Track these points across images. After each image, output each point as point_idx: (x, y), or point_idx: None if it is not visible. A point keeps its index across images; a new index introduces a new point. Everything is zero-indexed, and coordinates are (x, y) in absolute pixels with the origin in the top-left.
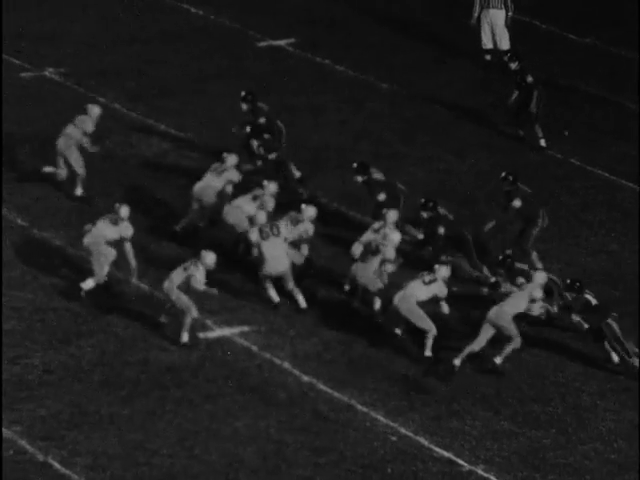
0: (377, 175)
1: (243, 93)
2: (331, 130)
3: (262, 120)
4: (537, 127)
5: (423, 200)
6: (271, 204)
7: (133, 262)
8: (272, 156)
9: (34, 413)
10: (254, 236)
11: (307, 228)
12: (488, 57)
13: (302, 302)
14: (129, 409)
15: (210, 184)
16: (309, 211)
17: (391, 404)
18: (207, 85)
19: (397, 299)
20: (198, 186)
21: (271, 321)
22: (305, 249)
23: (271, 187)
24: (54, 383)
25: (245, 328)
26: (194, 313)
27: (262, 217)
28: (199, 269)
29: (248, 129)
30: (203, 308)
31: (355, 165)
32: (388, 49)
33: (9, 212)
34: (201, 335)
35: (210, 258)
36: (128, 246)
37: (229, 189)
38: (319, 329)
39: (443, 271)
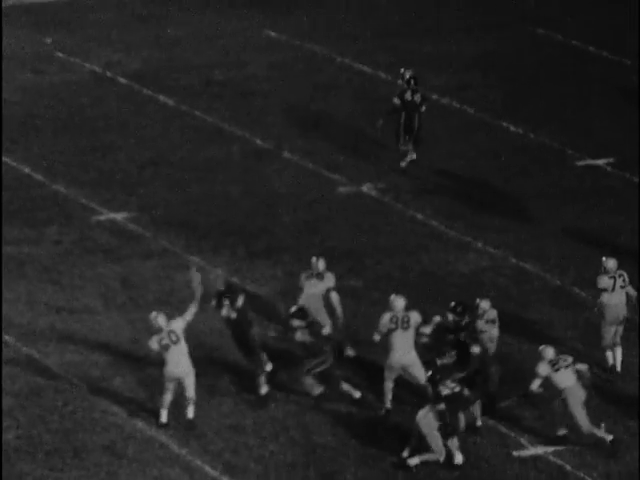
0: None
1: None
2: None
3: None
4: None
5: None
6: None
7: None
8: None
9: None
10: (154, 345)
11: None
12: None
13: (190, 413)
14: None
15: None
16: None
17: None
18: (527, 204)
19: None
20: None
21: (585, 440)
22: None
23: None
24: None
25: (559, 447)
26: None
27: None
28: None
29: None
30: (519, 426)
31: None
32: None
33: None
34: (515, 453)
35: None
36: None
37: None
38: (634, 449)
39: None
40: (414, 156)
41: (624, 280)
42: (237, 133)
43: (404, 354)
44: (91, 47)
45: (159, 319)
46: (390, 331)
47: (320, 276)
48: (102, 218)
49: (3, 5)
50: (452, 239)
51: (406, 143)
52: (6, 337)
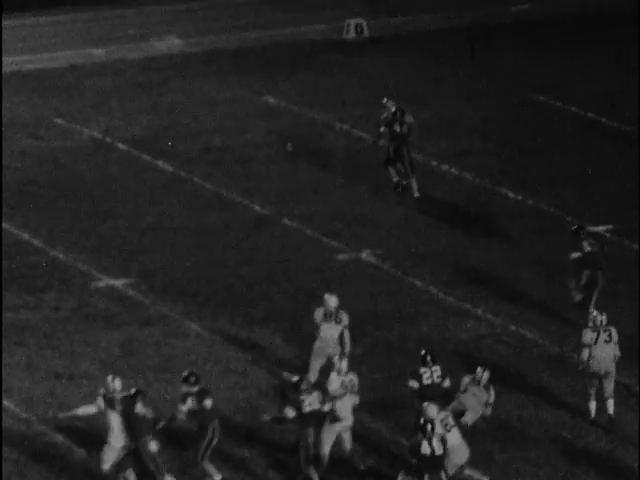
0: None
1: None
2: None
3: None
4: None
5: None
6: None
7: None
8: None
9: None
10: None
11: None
12: None
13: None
14: None
15: None
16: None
17: None
18: (523, 272)
19: None
20: None
21: None
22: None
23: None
24: None
25: None
26: None
27: None
28: None
29: None
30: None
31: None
32: None
33: None
34: None
35: None
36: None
37: None
38: None
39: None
40: (415, 188)
41: (609, 335)
42: (236, 199)
43: None
44: (90, 113)
45: (116, 382)
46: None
47: (337, 319)
48: (101, 284)
49: (3, 71)
50: (451, 306)
51: (403, 174)
52: (5, 403)
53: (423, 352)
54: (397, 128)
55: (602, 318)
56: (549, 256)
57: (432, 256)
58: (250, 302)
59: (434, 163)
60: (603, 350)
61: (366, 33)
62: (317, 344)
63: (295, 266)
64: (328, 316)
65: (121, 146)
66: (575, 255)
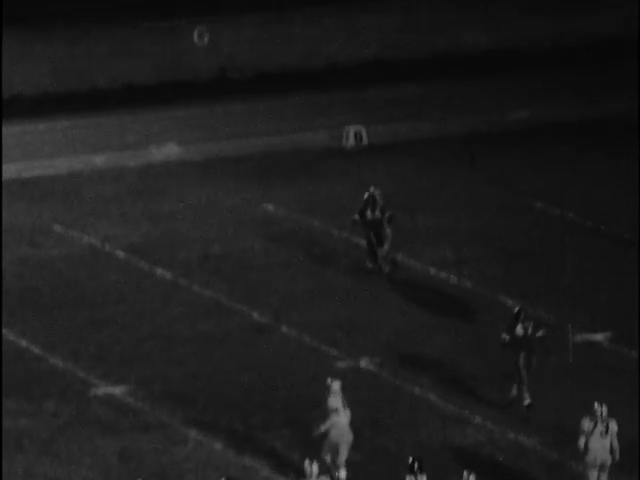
0: None
1: None
2: None
3: None
4: None
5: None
6: None
7: None
8: None
9: None
10: None
11: None
12: None
13: None
14: None
15: None
16: None
17: None
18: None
19: None
20: None
21: None
22: None
23: None
24: None
25: None
26: None
27: None
28: None
29: None
30: None
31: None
32: None
33: None
34: None
35: None
36: None
37: None
38: None
39: None
40: (387, 269)
41: (607, 427)
42: (235, 307)
43: None
44: (89, 220)
45: None
46: None
47: (346, 405)
48: (100, 392)
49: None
50: (450, 413)
51: (383, 259)
52: None
53: (410, 460)
54: (369, 215)
55: (602, 410)
56: (548, 365)
57: (430, 363)
58: (249, 409)
59: (433, 270)
60: (598, 442)
61: (365, 140)
62: (333, 432)
63: (293, 374)
64: (343, 402)
65: (120, 253)
66: (504, 337)
